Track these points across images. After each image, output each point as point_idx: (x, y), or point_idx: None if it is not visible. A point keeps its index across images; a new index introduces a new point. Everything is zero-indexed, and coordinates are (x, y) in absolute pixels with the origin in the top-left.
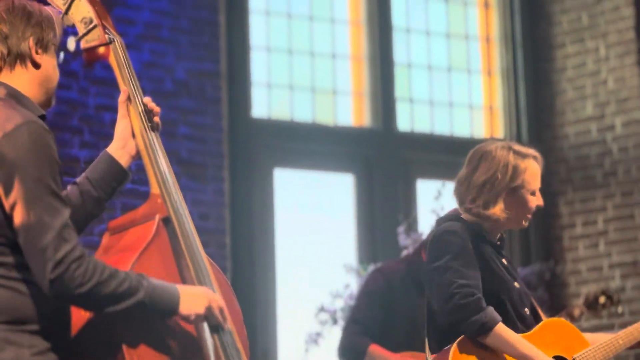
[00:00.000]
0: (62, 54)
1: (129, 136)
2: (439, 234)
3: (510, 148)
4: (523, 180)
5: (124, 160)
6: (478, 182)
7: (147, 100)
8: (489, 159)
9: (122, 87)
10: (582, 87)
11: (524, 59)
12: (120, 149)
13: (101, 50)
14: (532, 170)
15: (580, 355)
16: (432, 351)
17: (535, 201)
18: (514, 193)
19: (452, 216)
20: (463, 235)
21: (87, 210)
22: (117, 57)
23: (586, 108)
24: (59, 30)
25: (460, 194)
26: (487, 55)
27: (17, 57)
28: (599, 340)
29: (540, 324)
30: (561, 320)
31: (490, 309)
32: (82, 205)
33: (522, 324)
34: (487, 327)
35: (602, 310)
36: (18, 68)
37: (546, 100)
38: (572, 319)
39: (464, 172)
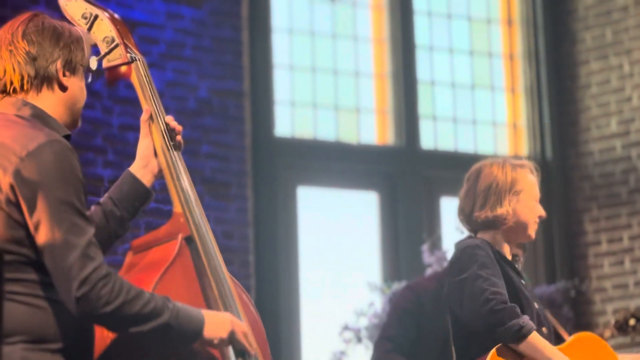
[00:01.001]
0: (90, 75)
1: (151, 155)
2: (461, 248)
3: (505, 161)
4: (523, 186)
5: (146, 179)
6: (480, 189)
7: (169, 119)
8: (486, 171)
9: (144, 105)
10: (607, 104)
11: (548, 76)
12: (142, 168)
13: (123, 69)
14: (529, 180)
15: None
16: None
17: (538, 210)
18: (517, 197)
19: (471, 236)
20: (486, 249)
21: (111, 231)
22: (139, 76)
23: (610, 125)
24: (87, 51)
25: (466, 209)
26: (510, 72)
27: (44, 80)
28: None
29: (572, 337)
30: (592, 335)
31: (526, 316)
32: (106, 226)
33: None
34: (524, 333)
35: (632, 332)
36: (44, 90)
37: (570, 117)
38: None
39: (465, 188)
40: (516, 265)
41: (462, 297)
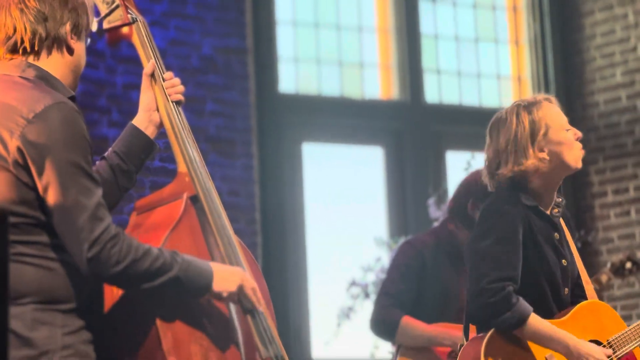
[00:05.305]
0: (89, 39)
1: (154, 107)
2: (491, 210)
3: (518, 105)
4: (546, 124)
5: (149, 131)
6: (502, 145)
7: (169, 75)
8: (504, 123)
9: (147, 63)
10: (611, 54)
11: (552, 27)
12: (145, 120)
13: (124, 30)
14: (550, 112)
15: (615, 338)
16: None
17: (573, 135)
18: (546, 139)
19: (513, 183)
20: (514, 215)
21: (119, 184)
22: (140, 37)
23: (615, 75)
24: (91, 16)
25: (491, 167)
26: (514, 25)
27: (55, 42)
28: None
29: (575, 307)
30: (598, 303)
31: (520, 302)
32: (114, 180)
33: (557, 306)
34: (517, 324)
35: (628, 275)
36: (54, 53)
37: (575, 68)
38: (600, 285)
39: (488, 145)
40: (556, 214)
41: (471, 268)
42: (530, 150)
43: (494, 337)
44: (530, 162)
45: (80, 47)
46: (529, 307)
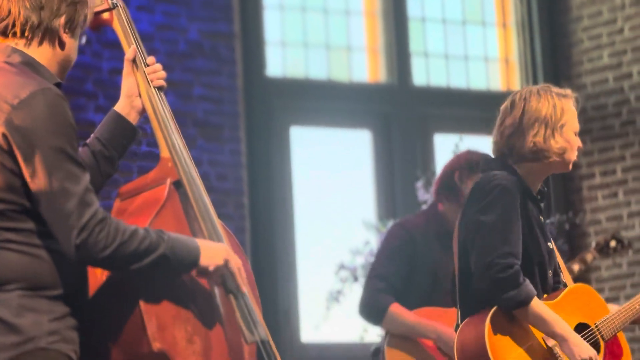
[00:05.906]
0: (84, 37)
1: (136, 93)
2: (494, 184)
3: (550, 90)
4: (567, 119)
5: (132, 117)
6: (530, 119)
7: (151, 60)
8: (535, 99)
9: (128, 49)
10: (598, 36)
11: (539, 9)
12: (127, 106)
13: (105, 16)
14: (573, 110)
15: (602, 321)
16: (465, 313)
17: (577, 142)
18: (561, 131)
19: (503, 165)
20: (515, 193)
21: (101, 171)
22: (121, 22)
23: (603, 57)
24: (90, 15)
25: (506, 135)
26: (501, 7)
27: (47, 32)
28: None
29: (565, 291)
30: (584, 287)
31: (526, 283)
32: (96, 166)
33: (543, 288)
34: (522, 303)
35: (613, 254)
36: (45, 43)
37: (562, 50)
38: (586, 264)
39: (505, 118)
40: (540, 199)
41: (474, 241)
42: (558, 137)
43: (496, 315)
44: (553, 146)
45: (72, 43)
46: (534, 289)
